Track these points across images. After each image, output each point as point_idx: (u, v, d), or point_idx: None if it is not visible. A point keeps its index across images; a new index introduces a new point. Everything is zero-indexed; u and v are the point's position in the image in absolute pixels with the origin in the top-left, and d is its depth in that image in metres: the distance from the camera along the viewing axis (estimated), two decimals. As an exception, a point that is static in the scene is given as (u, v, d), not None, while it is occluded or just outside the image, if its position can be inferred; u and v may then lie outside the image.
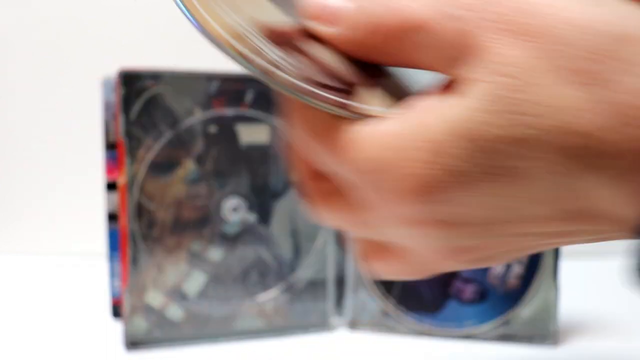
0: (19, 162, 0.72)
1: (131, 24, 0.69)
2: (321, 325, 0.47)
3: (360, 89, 0.22)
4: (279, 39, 0.23)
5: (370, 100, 0.22)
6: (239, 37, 0.23)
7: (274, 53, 0.23)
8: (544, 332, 0.45)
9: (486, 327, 0.45)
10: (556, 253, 0.44)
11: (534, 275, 0.44)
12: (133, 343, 0.43)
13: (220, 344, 0.44)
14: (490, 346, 0.45)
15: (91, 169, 0.62)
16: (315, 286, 0.47)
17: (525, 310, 0.45)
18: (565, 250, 0.45)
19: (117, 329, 0.46)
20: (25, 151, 0.71)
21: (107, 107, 0.46)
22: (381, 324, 0.47)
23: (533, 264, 0.44)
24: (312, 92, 0.21)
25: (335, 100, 0.21)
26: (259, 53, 0.22)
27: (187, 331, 0.44)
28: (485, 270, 0.45)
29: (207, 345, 0.44)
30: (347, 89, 0.22)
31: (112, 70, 0.43)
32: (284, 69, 0.22)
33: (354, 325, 0.47)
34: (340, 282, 0.48)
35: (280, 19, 0.24)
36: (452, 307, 0.45)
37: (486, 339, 0.45)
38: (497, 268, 0.44)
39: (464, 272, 0.45)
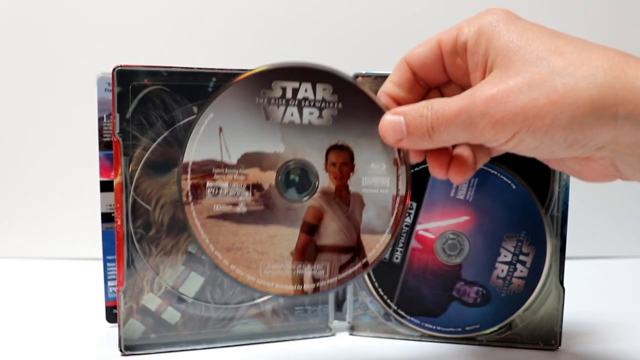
0: (15, 161, 0.70)
1: (127, 20, 0.68)
2: (321, 329, 0.46)
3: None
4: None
5: None
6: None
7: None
8: (548, 335, 0.44)
9: (489, 330, 0.44)
10: (561, 256, 0.43)
11: (537, 277, 0.43)
12: (129, 347, 0.42)
13: (219, 348, 0.44)
14: (494, 350, 0.44)
15: (87, 170, 0.61)
16: (315, 289, 0.46)
17: (529, 313, 0.44)
18: (570, 252, 0.44)
19: (112, 333, 0.45)
20: (22, 151, 0.70)
21: (102, 104, 0.45)
22: (382, 328, 0.46)
23: (537, 266, 0.43)
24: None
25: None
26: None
27: (184, 334, 0.43)
28: (488, 273, 0.44)
29: (204, 349, 0.43)
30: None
31: (107, 67, 0.42)
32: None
33: (354, 329, 0.46)
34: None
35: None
36: (455, 310, 0.44)
37: (489, 343, 0.45)
38: (501, 272, 0.44)
39: (467, 275, 0.44)
